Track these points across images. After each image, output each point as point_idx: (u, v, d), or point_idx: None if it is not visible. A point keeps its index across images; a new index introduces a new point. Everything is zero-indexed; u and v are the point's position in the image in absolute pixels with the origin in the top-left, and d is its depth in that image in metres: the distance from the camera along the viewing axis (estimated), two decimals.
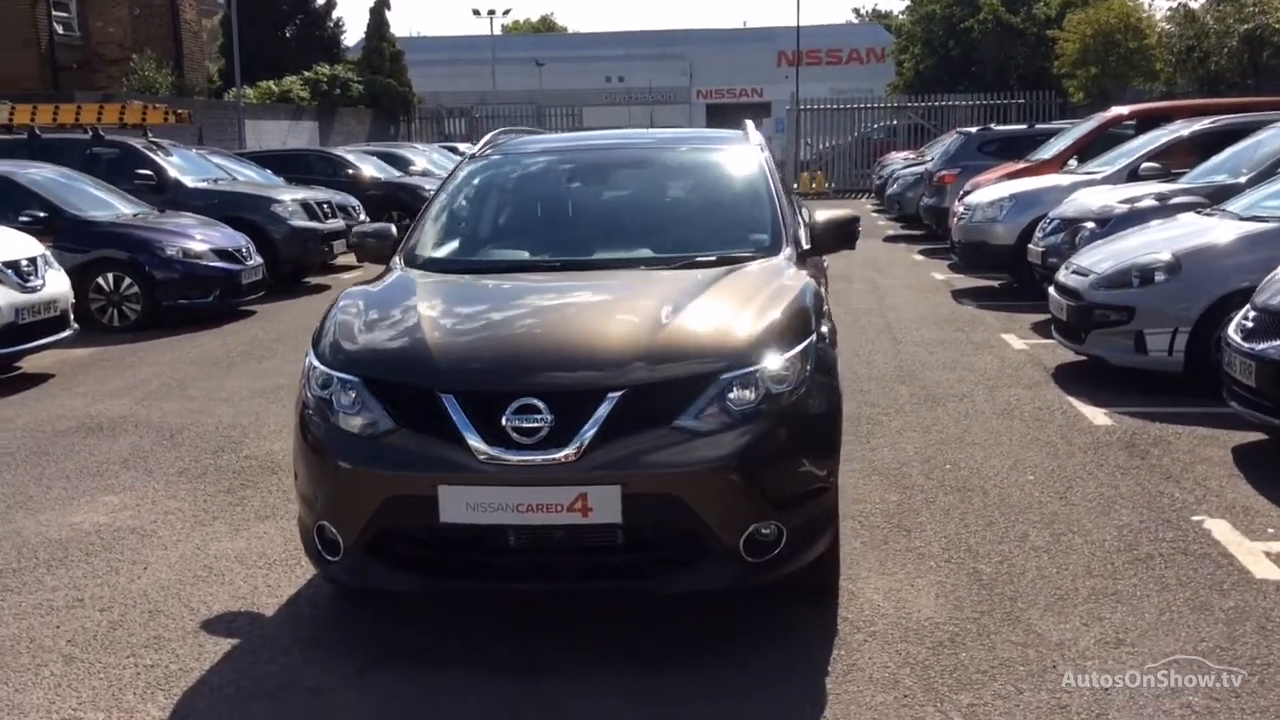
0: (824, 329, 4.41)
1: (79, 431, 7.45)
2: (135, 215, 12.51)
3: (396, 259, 5.04)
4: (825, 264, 5.94)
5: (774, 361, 3.94)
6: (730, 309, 4.18)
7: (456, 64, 66.69)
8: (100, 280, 11.69)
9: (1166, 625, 4.14)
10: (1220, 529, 5.08)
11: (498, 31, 71.36)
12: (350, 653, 4.10)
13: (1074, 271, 8.22)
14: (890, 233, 21.36)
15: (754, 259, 4.78)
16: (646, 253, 4.97)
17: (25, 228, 11.20)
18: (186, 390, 8.69)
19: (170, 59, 33.23)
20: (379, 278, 4.87)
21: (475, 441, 3.71)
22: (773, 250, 4.86)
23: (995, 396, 7.72)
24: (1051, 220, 10.72)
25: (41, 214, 11.59)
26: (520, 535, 3.84)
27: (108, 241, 11.83)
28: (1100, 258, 8.17)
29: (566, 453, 3.69)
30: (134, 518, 5.66)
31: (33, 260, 9.34)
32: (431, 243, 5.15)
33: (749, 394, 3.86)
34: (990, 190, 13.22)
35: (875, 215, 25.67)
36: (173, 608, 4.53)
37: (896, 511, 5.45)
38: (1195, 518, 5.24)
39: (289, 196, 14.97)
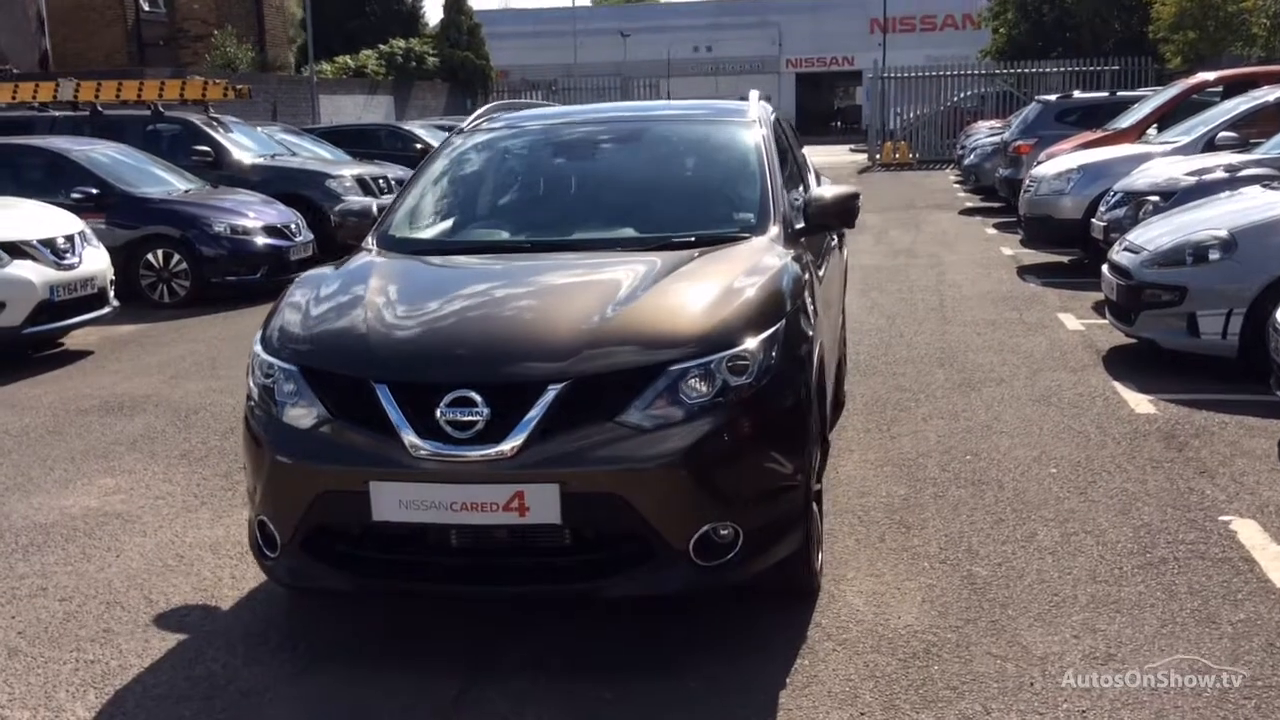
0: (804, 314, 4.13)
1: (99, 411, 7.45)
2: (186, 192, 12.57)
3: (369, 239, 4.85)
4: (832, 242, 5.63)
5: (732, 351, 3.67)
6: (690, 295, 3.91)
7: (540, 36, 66.70)
8: (150, 256, 11.76)
9: (1165, 639, 3.80)
10: (1248, 531, 4.69)
11: (584, 2, 71.01)
12: (294, 651, 3.95)
13: (1126, 248, 7.75)
14: (969, 205, 20.72)
15: (736, 240, 4.50)
16: (629, 232, 4.71)
17: (77, 204, 11.37)
18: (216, 369, 8.67)
19: (252, 35, 33.60)
20: (345, 260, 4.69)
21: (408, 435, 3.52)
22: (758, 230, 4.57)
23: (1036, 381, 7.32)
24: (1115, 193, 10.20)
25: (93, 190, 11.71)
26: (463, 535, 3.65)
27: (157, 218, 11.89)
28: (1156, 234, 7.69)
29: (502, 449, 3.48)
30: (124, 502, 5.59)
31: (70, 238, 9.38)
32: (404, 222, 4.95)
33: (702, 386, 3.60)
34: (1058, 161, 12.65)
35: (957, 187, 24.99)
36: (132, 599, 4.43)
37: (901, 507, 5.14)
38: (1223, 518, 4.85)
39: (346, 172, 14.95)
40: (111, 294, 9.84)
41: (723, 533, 3.62)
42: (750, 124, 5.19)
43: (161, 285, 11.80)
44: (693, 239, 4.47)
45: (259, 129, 16.93)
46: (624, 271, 4.11)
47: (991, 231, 16.44)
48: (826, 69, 74.14)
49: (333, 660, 3.89)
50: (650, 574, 3.58)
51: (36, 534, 5.18)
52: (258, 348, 4.00)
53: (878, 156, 35.11)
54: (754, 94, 5.56)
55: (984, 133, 24.37)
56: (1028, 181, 12.82)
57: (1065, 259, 12.56)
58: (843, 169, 33.71)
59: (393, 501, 3.55)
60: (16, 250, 8.88)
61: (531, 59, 61.95)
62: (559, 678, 3.70)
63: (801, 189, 5.35)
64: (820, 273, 4.95)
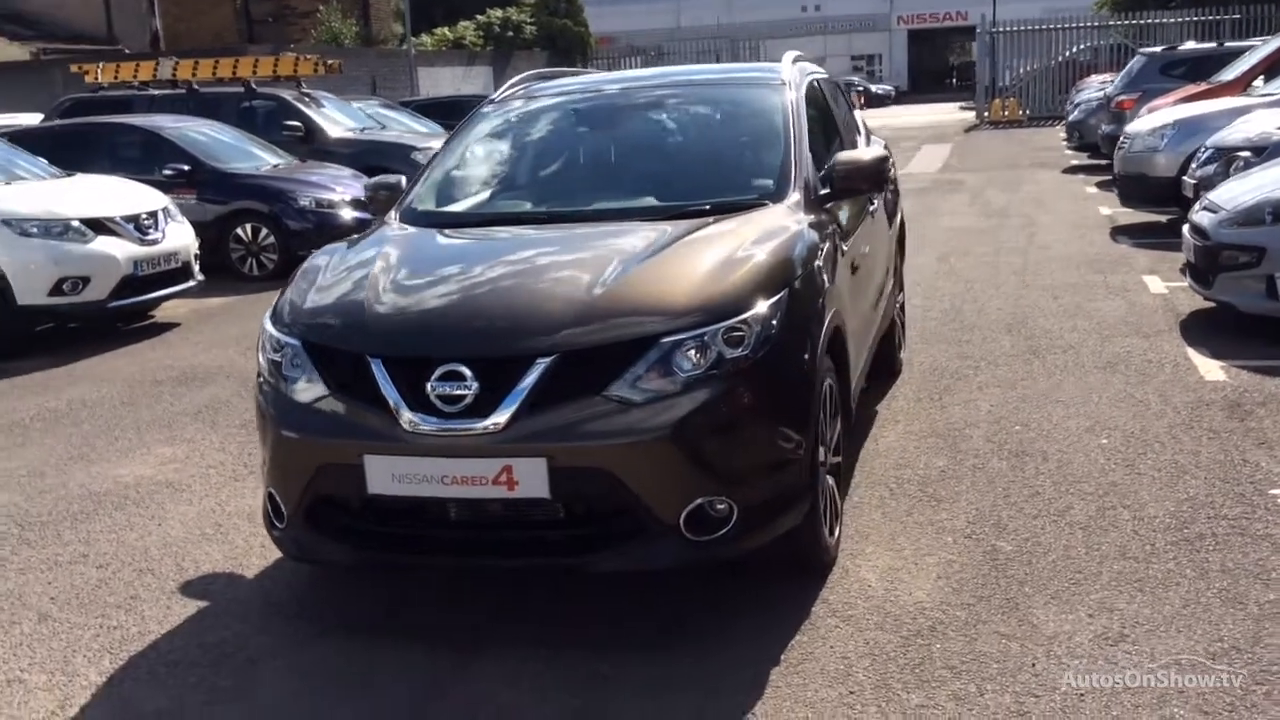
0: (816, 283, 4.04)
1: (172, 381, 7.68)
2: (275, 167, 12.83)
3: (393, 212, 4.88)
4: (872, 206, 5.47)
5: (728, 323, 3.60)
6: (688, 266, 3.85)
7: (642, 1, 66.37)
8: (239, 231, 12.05)
9: (1184, 620, 3.64)
10: None
11: None
12: (307, 620, 4.04)
13: (1205, 207, 7.42)
14: (1074, 164, 20.05)
15: (752, 207, 4.40)
16: (649, 201, 4.66)
17: (169, 180, 11.73)
18: None
19: (357, 10, 34.10)
20: (365, 234, 4.73)
21: (401, 409, 3.54)
22: (776, 196, 4.47)
23: (1105, 347, 7.06)
24: (1207, 149, 9.75)
25: (185, 167, 12.05)
26: (460, 509, 3.66)
27: (246, 193, 12.17)
28: (1237, 192, 7.35)
29: (490, 423, 3.47)
30: (177, 471, 5.76)
31: (153, 214, 9.65)
32: (427, 195, 4.96)
33: (696, 358, 3.55)
34: (1153, 117, 12.16)
35: (1065, 144, 24.20)
36: (164, 567, 4.56)
37: (937, 479, 5.02)
38: (1274, 491, 4.62)
39: (434, 144, 15.04)
40: (196, 268, 10.11)
41: (718, 507, 3.57)
42: (779, 87, 5.06)
43: (250, 259, 12.09)
44: (707, 207, 4.40)
45: (354, 103, 17.20)
46: (627, 242, 4.06)
47: (1092, 190, 15.89)
48: (940, 24, 72.43)
49: (342, 629, 3.96)
50: (640, 549, 3.56)
51: (89, 502, 5.37)
52: (267, 321, 4.06)
53: (986, 114, 34.19)
54: (789, 55, 5.43)
55: (1094, 87, 23.53)
56: (1122, 138, 12.34)
57: (1164, 218, 12.08)
58: (948, 127, 32.99)
59: (386, 475, 3.58)
60: (101, 227, 9.18)
61: (634, 24, 61.87)
62: (558, 651, 3.70)
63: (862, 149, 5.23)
64: (851, 239, 4.83)
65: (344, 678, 3.64)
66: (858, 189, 4.71)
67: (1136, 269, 9.66)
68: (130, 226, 9.36)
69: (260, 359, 4.04)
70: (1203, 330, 7.33)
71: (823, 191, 4.66)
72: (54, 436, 6.53)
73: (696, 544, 3.56)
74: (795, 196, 4.48)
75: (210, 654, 3.82)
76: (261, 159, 12.98)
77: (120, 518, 5.14)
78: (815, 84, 5.63)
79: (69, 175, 10.38)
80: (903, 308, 7.00)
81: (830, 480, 4.18)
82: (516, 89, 5.63)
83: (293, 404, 3.79)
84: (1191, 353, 6.81)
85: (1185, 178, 9.96)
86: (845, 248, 4.69)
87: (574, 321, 3.59)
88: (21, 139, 13.04)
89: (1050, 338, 7.40)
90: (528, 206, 4.86)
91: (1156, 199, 11.73)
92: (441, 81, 30.73)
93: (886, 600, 3.92)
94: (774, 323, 3.70)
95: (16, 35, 28.31)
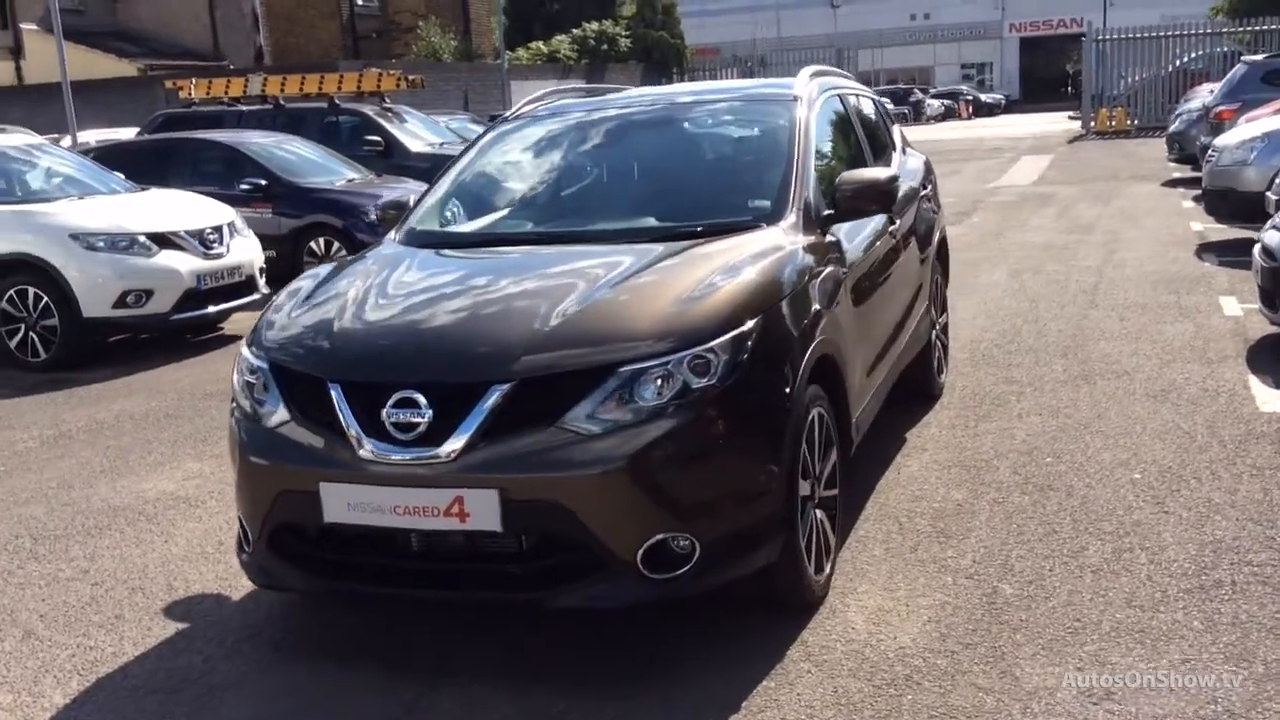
0: (801, 308, 3.89)
1: (221, 395, 7.77)
2: (350, 181, 13.00)
3: (393, 232, 4.85)
4: (895, 226, 5.25)
5: (693, 351, 3.47)
6: (660, 290, 3.72)
7: (743, 12, 66.26)
8: (313, 244, 12.22)
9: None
10: None
11: None
12: (279, 647, 3.99)
13: (1274, 226, 7.03)
14: (1176, 176, 19.33)
15: (745, 229, 4.25)
16: (647, 222, 4.54)
17: (246, 195, 11.98)
18: None
19: (458, 25, 34.56)
20: (359, 254, 4.69)
21: (356, 436, 3.48)
22: (772, 218, 4.31)
23: (1162, 374, 6.72)
24: None
25: (261, 182, 12.26)
26: (421, 539, 3.58)
27: (319, 207, 12.33)
28: None
29: (443, 452, 3.40)
30: (197, 487, 5.80)
31: (217, 228, 9.82)
32: (427, 214, 4.92)
33: (658, 387, 3.42)
34: (1244, 128, 11.61)
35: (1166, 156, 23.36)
36: (156, 586, 4.57)
37: (952, 513, 4.79)
38: None
39: None
40: (261, 281, 10.25)
41: (680, 544, 3.44)
42: (789, 104, 4.90)
43: None
44: (699, 229, 4.26)
45: (440, 118, 17.40)
46: (605, 266, 3.94)
47: (1188, 205, 15.27)
48: (1054, 32, 70.81)
49: (310, 656, 3.91)
50: (597, 586, 3.44)
51: (104, 517, 5.43)
52: (243, 343, 4.04)
53: (1092, 124, 33.24)
54: (806, 70, 5.26)
55: (1200, 97, 22.67)
56: (1210, 150, 11.81)
57: (1254, 235, 11.52)
58: (1052, 138, 32.19)
59: (341, 503, 3.53)
60: (165, 241, 9.37)
61: (734, 35, 61.75)
62: (518, 686, 3.59)
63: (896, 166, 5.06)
64: (860, 261, 4.65)
65: (303, 706, 3.58)
66: (864, 210, 4.52)
67: (1215, 289, 9.23)
68: (194, 240, 9.53)
69: (235, 381, 4.02)
70: (1271, 357, 6.94)
71: (826, 212, 4.49)
72: (93, 448, 6.65)
73: (656, 582, 3.43)
74: (792, 218, 4.32)
75: (174, 679, 3.80)
76: (337, 173, 13.15)
77: (130, 533, 5.19)
78: (840, 99, 5.46)
79: (143, 190, 10.63)
80: (945, 329, 6.75)
81: (820, 514, 4.01)
82: (527, 108, 5.55)
83: (258, 428, 3.77)
84: (1253, 381, 6.44)
85: (1269, 193, 9.47)
86: (850, 271, 4.51)
87: (532, 349, 3.49)
88: (111, 154, 13.52)
89: (1106, 362, 7.08)
90: (528, 227, 4.79)
91: (1245, 214, 11.14)
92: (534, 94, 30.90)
93: (868, 644, 3.74)
94: (745, 350, 3.55)
95: (125, 52, 29.36)
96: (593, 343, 3.51)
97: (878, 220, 4.97)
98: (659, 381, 3.43)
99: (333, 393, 3.56)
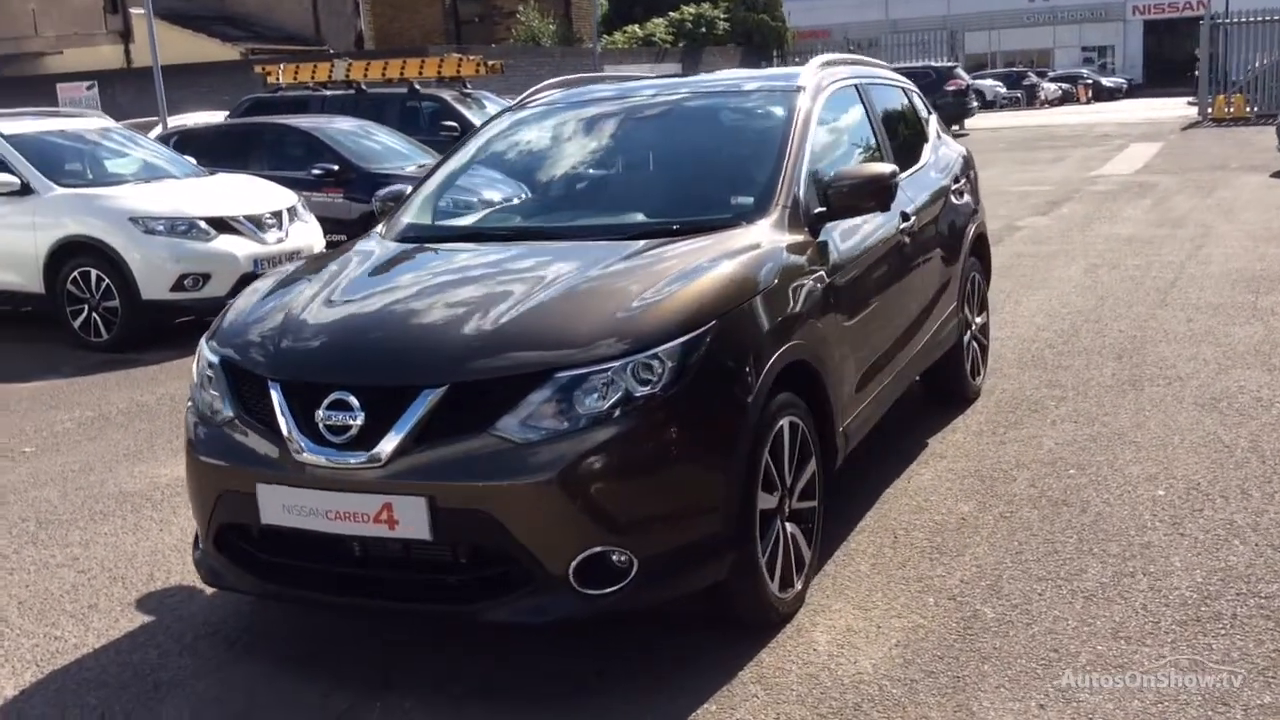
0: (764, 313, 3.68)
1: None
2: (421, 167, 13.02)
3: (380, 225, 4.77)
4: (908, 224, 4.99)
5: (637, 357, 3.31)
6: (610, 293, 3.56)
7: None
8: None
9: None
10: None
11: None
12: (230, 645, 3.95)
13: None
14: None
15: (724, 227, 4.07)
16: (627, 219, 4.39)
17: (318, 180, 12.09)
18: None
19: (558, 9, 34.56)
20: (337, 248, 4.62)
21: (292, 437, 3.40)
22: (753, 215, 4.11)
23: (1217, 381, 6.32)
24: None
25: (333, 167, 12.34)
26: (363, 544, 3.49)
27: None
28: None
29: (373, 456, 3.29)
30: None
31: (277, 213, 9.90)
32: (416, 207, 4.83)
33: (598, 395, 3.27)
34: None
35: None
36: (136, 577, 4.58)
37: (953, 528, 4.55)
38: None
39: None
40: None
41: (617, 559, 3.29)
42: (790, 95, 4.68)
43: None
44: (675, 226, 4.09)
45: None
46: (564, 265, 3.80)
47: None
48: (1179, 14, 68.15)
49: (261, 657, 3.86)
50: (527, 600, 3.30)
51: (112, 502, 5.47)
52: (204, 338, 3.99)
53: (1209, 110, 31.87)
54: (817, 59, 5.03)
55: None
56: None
57: None
58: (1166, 124, 30.98)
59: (278, 505, 3.46)
60: (224, 225, 9.47)
61: (840, 17, 60.85)
62: (453, 702, 3.48)
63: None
64: (857, 262, 4.42)
65: (231, 713, 3.52)
66: (858, 207, 4.29)
67: None
68: (252, 225, 9.62)
69: (194, 374, 3.97)
70: None
71: (817, 210, 4.27)
72: (125, 431, 6.74)
73: (590, 597, 3.28)
74: (774, 216, 4.11)
75: (125, 674, 3.78)
76: (410, 159, 13.19)
77: (131, 520, 5.22)
78: (857, 89, 5.22)
79: (210, 174, 10.79)
80: (983, 330, 6.44)
81: (791, 528, 3.82)
82: (525, 98, 5.42)
83: (206, 425, 3.72)
84: None
85: None
86: (843, 271, 4.29)
87: (467, 352, 3.37)
88: (194, 138, 13.80)
89: (1161, 367, 6.69)
90: (511, 221, 4.70)
91: None
92: None
93: (825, 668, 3.54)
94: (696, 356, 3.38)
95: (228, 36, 30.02)
96: (530, 347, 3.37)
97: (884, 218, 4.73)
98: (599, 388, 3.28)
99: (273, 392, 3.49)
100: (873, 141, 5.17)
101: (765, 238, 3.99)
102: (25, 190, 9.59)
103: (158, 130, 15.55)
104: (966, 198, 6.09)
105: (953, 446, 5.52)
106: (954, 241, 5.77)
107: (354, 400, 3.34)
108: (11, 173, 9.62)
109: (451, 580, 3.41)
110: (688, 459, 3.38)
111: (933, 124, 6.19)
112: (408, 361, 3.41)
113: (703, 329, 3.43)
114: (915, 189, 5.32)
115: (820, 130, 4.65)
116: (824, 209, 4.28)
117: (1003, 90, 48.49)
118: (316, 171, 12.19)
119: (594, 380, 3.28)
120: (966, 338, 6.06)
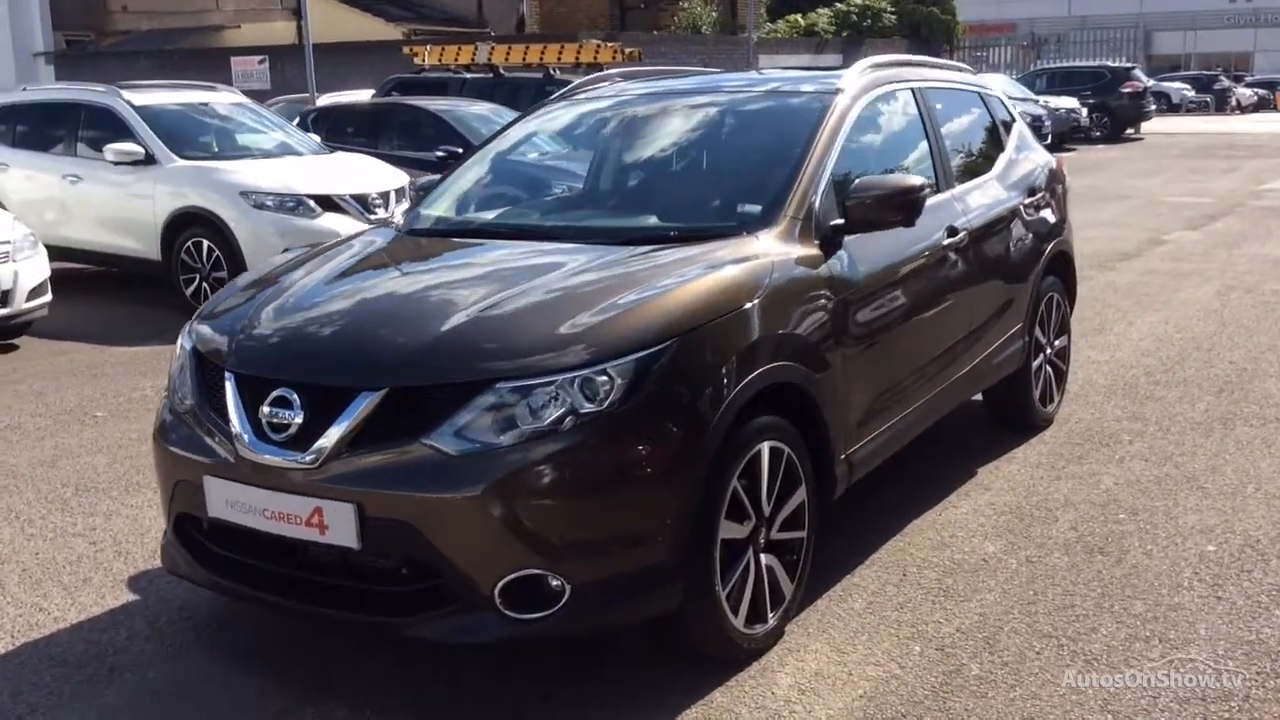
0: (735, 331, 3.46)
1: None
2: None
3: (399, 216, 4.69)
4: (954, 240, 4.66)
5: (584, 372, 3.14)
6: (573, 301, 3.40)
7: None
8: None
9: None
10: None
11: None
12: (196, 631, 3.93)
13: None
14: None
15: (724, 235, 3.84)
16: (627, 222, 4.25)
17: (441, 161, 12.22)
18: None
19: None
20: (344, 238, 4.56)
21: (239, 431, 3.35)
22: (759, 225, 3.87)
23: None
24: None
25: (458, 149, 12.43)
26: (303, 547, 3.40)
27: None
28: None
29: (307, 457, 3.21)
30: None
31: (384, 194, 10.03)
32: (433, 200, 4.74)
33: (540, 409, 3.11)
34: None
35: None
36: (142, 554, 4.61)
37: (969, 569, 4.23)
38: None
39: None
40: None
41: (551, 583, 3.13)
42: (825, 98, 4.40)
43: None
44: (673, 233, 3.89)
45: None
46: (535, 270, 3.65)
47: None
48: None
49: (219, 647, 3.83)
50: (455, 619, 3.16)
51: (150, 474, 5.49)
52: (187, 325, 3.98)
53: None
54: (865, 61, 4.72)
55: None
56: None
57: None
58: None
59: (221, 499, 3.41)
60: (330, 204, 9.64)
61: (1022, 12, 58.83)
62: (383, 715, 3.38)
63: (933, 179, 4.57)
64: (880, 278, 4.14)
65: (168, 705, 3.49)
66: (879, 221, 4.00)
67: None
68: (357, 205, 9.76)
69: (172, 361, 3.96)
70: None
71: (835, 222, 4.00)
72: None
73: (517, 621, 3.13)
74: (783, 226, 3.87)
75: (87, 654, 3.79)
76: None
77: (157, 495, 5.27)
78: (913, 94, 4.90)
79: (329, 152, 11.00)
80: (1061, 355, 6.01)
81: (769, 560, 3.59)
82: (558, 95, 5.28)
83: (173, 413, 3.70)
84: None
85: None
86: (860, 288, 4.01)
87: (409, 356, 3.25)
88: (328, 115, 14.14)
89: (1262, 404, 6.15)
90: (517, 219, 4.57)
91: None
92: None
93: (776, 715, 3.31)
94: (652, 373, 3.19)
95: (392, 16, 30.72)
96: (475, 354, 3.23)
97: (922, 231, 4.41)
98: (543, 402, 3.12)
99: (227, 384, 3.44)
100: (925, 151, 4.84)
101: (767, 249, 3.75)
102: (149, 160, 9.93)
103: (308, 107, 15.99)
104: (1045, 212, 5.67)
105: (1002, 478, 5.16)
106: (1023, 259, 5.38)
107: (296, 398, 3.26)
108: (138, 143, 9.98)
109: (384, 591, 3.29)
110: (634, 482, 3.19)
111: (1014, 133, 5.78)
112: (350, 362, 3.32)
113: (663, 345, 3.23)
114: (972, 201, 4.98)
115: (857, 137, 4.37)
116: (841, 222, 4.00)
117: (1190, 94, 46.05)
118: (440, 153, 12.31)
119: (538, 394, 3.13)
120: (1038, 362, 5.67)
